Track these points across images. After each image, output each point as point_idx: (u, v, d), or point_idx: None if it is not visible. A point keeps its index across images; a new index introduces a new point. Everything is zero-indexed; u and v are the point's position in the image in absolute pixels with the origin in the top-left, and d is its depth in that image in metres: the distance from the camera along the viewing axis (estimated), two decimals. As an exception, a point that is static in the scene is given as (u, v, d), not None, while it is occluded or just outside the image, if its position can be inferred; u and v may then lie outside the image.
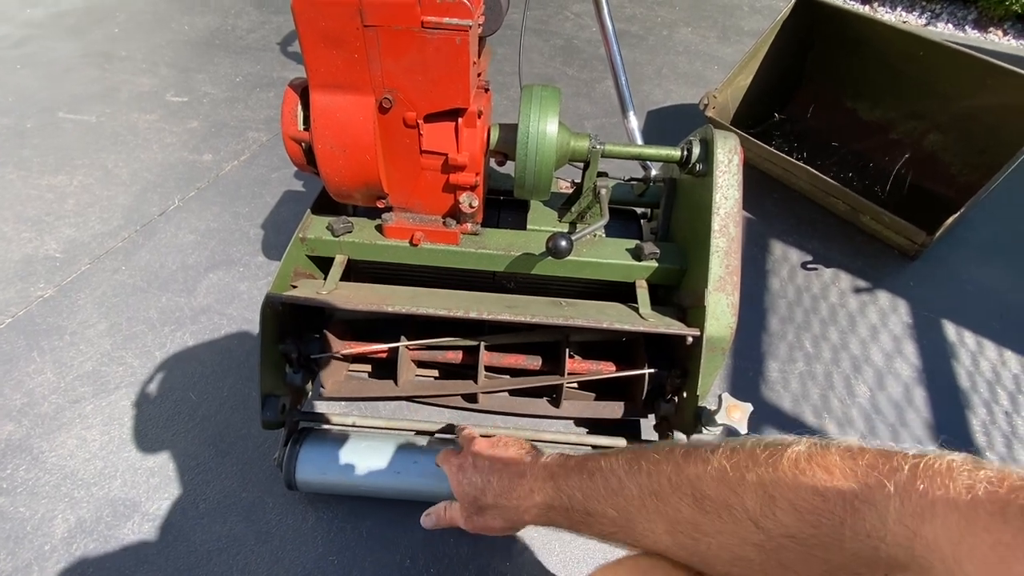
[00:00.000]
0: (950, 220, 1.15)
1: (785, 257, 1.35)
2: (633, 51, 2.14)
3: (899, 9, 2.69)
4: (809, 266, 1.33)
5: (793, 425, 1.02)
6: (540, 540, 0.86)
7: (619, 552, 0.47)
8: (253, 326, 1.13)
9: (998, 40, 2.47)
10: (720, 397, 0.71)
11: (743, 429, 0.69)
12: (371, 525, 0.86)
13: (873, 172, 1.53)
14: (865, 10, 2.71)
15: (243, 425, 0.97)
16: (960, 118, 1.38)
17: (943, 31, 2.54)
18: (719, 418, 0.70)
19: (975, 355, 1.16)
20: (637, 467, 0.42)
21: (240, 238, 1.31)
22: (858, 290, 1.28)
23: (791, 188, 1.48)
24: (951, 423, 1.04)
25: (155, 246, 1.28)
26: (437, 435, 0.88)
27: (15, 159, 1.51)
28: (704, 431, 0.74)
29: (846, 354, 1.15)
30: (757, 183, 1.52)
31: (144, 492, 0.89)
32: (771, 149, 1.35)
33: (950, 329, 1.21)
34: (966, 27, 2.55)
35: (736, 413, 0.70)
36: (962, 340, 1.19)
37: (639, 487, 0.41)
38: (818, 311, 1.23)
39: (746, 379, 1.09)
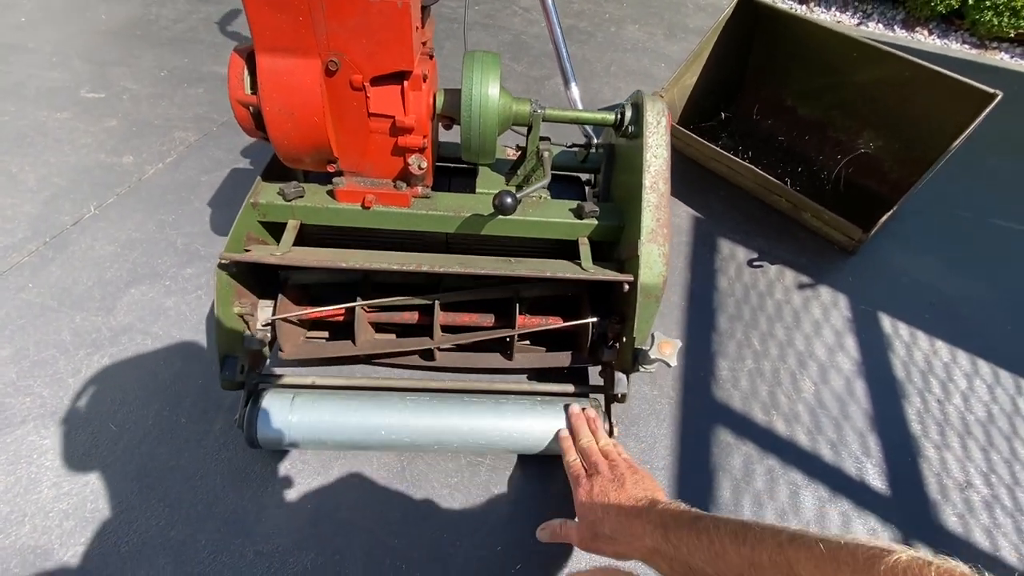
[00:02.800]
0: (884, 217, 1.19)
1: (732, 255, 1.37)
2: (582, 48, 2.12)
3: (833, 9, 2.79)
4: (755, 263, 1.35)
5: (744, 423, 1.03)
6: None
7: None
8: (182, 345, 1.04)
9: (923, 40, 2.61)
10: (652, 335, 0.77)
11: (673, 362, 0.77)
12: (314, 557, 0.81)
13: (814, 169, 1.58)
14: (802, 10, 2.80)
15: (171, 456, 0.90)
16: (890, 117, 1.43)
17: (873, 30, 2.66)
18: (652, 354, 0.77)
19: (909, 346, 1.22)
20: (743, 538, 0.47)
21: (166, 248, 1.21)
22: (802, 286, 1.31)
23: (737, 186, 1.51)
24: (889, 413, 1.08)
25: (67, 260, 1.17)
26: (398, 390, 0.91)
27: (-101, 164, 1.35)
28: (641, 369, 0.82)
29: (792, 350, 1.17)
30: (703, 182, 1.54)
31: (57, 538, 0.81)
32: (716, 148, 1.37)
33: (886, 321, 1.26)
34: (895, 27, 2.68)
35: (667, 348, 0.78)
36: (897, 332, 1.24)
37: (740, 556, 0.45)
38: (765, 308, 1.25)
39: (697, 378, 1.10)
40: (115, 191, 1.33)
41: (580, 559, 0.84)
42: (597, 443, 0.81)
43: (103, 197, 1.31)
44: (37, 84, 1.66)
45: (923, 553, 0.36)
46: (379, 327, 1.01)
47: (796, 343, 1.19)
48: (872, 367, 1.16)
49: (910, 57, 1.31)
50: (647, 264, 0.80)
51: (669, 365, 0.77)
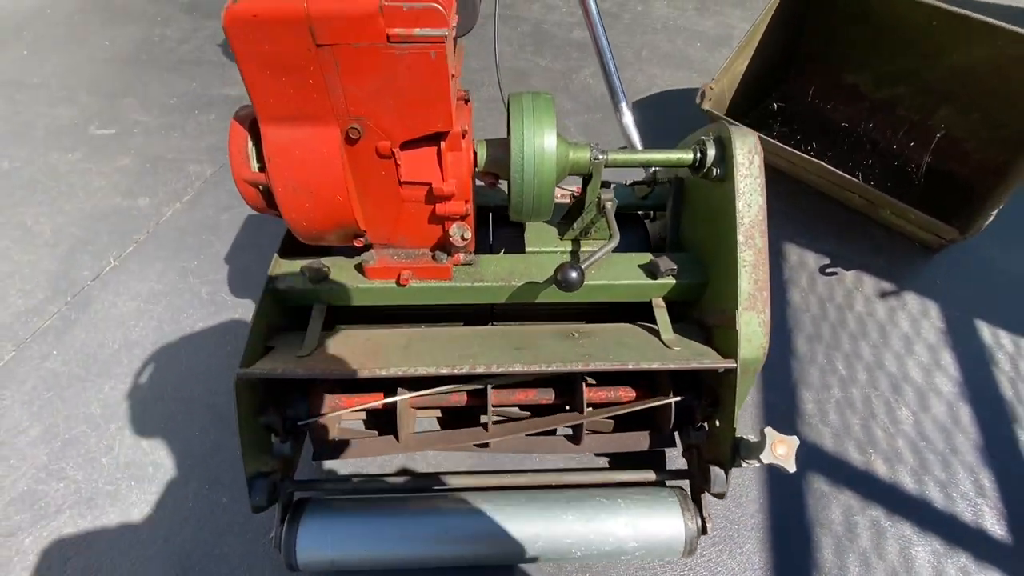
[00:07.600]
0: (990, 219, 1.04)
1: (802, 263, 1.23)
2: (609, 32, 1.96)
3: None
4: (828, 270, 1.21)
5: (839, 466, 0.92)
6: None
7: None
8: (218, 410, 0.97)
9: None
10: (764, 432, 0.64)
11: (791, 467, 0.62)
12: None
13: (888, 155, 1.41)
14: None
15: (214, 543, 0.83)
16: (977, 92, 1.26)
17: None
18: (765, 458, 0.63)
19: (1014, 358, 1.07)
20: None
21: (191, 300, 1.14)
22: (884, 294, 1.17)
23: (796, 181, 1.36)
24: (1001, 442, 0.95)
25: (91, 320, 1.10)
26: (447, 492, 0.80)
27: (-85, 224, 1.30)
28: (744, 464, 0.68)
29: (882, 373, 1.04)
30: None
31: (103, 643, 0.75)
32: (780, 144, 1.22)
33: (984, 330, 1.11)
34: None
35: (781, 449, 0.64)
36: (998, 341, 1.10)
37: None
38: (845, 324, 1.12)
39: (778, 414, 0.99)
40: (133, 238, 1.26)
41: None
42: None
43: (122, 246, 1.25)
44: (45, 123, 1.59)
45: None
46: (424, 407, 0.87)
47: (886, 364, 1.06)
48: (975, 387, 1.03)
49: (1004, 25, 1.14)
50: (747, 337, 0.66)
51: (787, 471, 0.63)
